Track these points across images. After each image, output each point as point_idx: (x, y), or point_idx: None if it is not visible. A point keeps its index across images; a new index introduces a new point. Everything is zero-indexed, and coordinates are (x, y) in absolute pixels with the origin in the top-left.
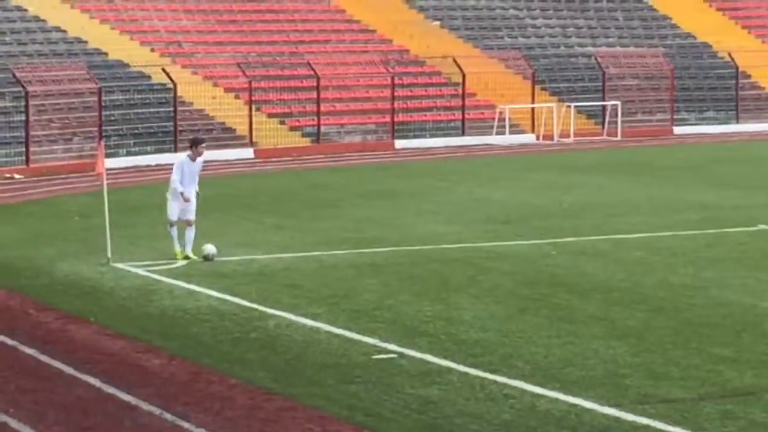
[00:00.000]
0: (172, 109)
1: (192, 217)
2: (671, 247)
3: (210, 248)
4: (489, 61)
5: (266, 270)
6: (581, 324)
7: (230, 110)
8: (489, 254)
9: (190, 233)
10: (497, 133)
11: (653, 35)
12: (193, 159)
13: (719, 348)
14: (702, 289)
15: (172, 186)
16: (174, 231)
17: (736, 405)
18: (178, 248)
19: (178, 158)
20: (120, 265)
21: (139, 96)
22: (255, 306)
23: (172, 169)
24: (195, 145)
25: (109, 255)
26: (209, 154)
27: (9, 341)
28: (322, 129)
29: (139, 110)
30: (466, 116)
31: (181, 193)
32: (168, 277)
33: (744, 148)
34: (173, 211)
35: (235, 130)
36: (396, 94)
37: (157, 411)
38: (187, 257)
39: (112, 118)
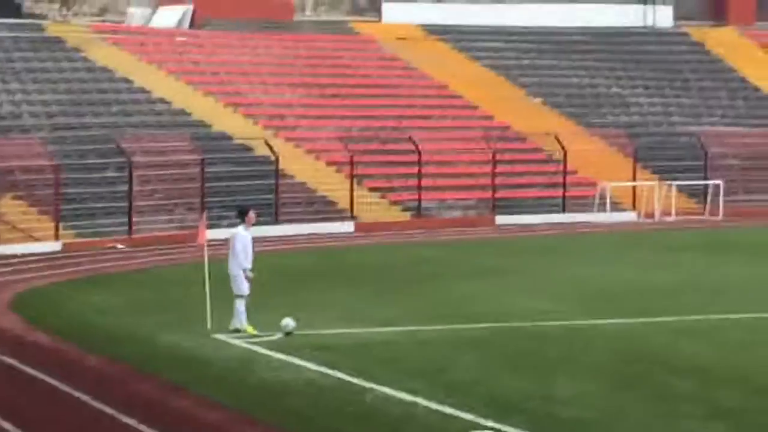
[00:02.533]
0: (273, 181)
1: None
2: None
3: (289, 322)
4: (591, 138)
5: (365, 343)
6: (680, 404)
7: (332, 183)
8: (587, 332)
9: (242, 306)
10: (598, 211)
11: (757, 115)
12: (246, 229)
13: None
14: None
15: (238, 262)
16: (241, 305)
17: None
18: (248, 325)
19: (237, 233)
20: (220, 336)
21: (242, 168)
22: (353, 379)
23: (234, 244)
24: (246, 212)
25: (210, 326)
26: (311, 227)
27: (108, 410)
28: (423, 203)
29: (241, 182)
30: (567, 193)
31: (244, 270)
32: (267, 348)
33: None
34: (246, 285)
35: (336, 203)
36: (497, 170)
37: None
38: (246, 330)
39: (215, 189)
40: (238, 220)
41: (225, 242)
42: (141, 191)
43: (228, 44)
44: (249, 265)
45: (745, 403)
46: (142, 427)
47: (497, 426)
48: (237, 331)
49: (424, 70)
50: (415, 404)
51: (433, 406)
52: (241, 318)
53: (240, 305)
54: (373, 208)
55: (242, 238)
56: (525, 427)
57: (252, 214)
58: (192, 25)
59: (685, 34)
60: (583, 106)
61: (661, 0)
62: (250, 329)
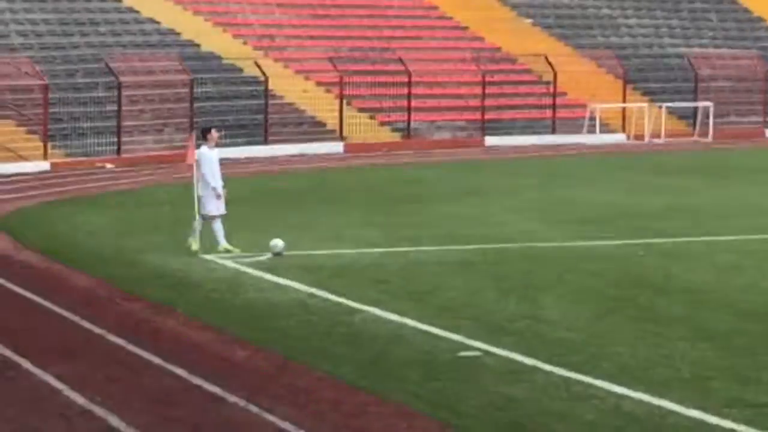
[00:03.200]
0: (263, 101)
1: (225, 210)
2: (763, 250)
3: (278, 243)
4: (581, 59)
5: (354, 265)
6: (668, 325)
7: (321, 104)
8: (577, 254)
9: (220, 225)
10: (588, 132)
11: (747, 37)
12: (210, 148)
13: None
14: None
15: (205, 181)
16: (200, 225)
17: None
18: (198, 244)
19: (201, 152)
20: (208, 257)
21: (231, 88)
22: (342, 300)
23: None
24: (209, 131)
25: (198, 246)
26: (300, 147)
27: (97, 329)
28: (412, 125)
29: (231, 102)
30: (557, 114)
31: (214, 188)
32: (256, 269)
33: None
34: (213, 205)
35: (325, 124)
36: (487, 91)
37: (242, 403)
38: (228, 250)
39: (204, 109)
40: (200, 141)
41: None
42: (130, 111)
43: None
44: (217, 183)
45: (733, 326)
46: (130, 347)
47: (485, 347)
48: (192, 250)
49: None
50: (403, 325)
51: (422, 327)
52: (195, 235)
53: (198, 224)
54: (363, 128)
55: (206, 157)
56: (512, 348)
57: (214, 133)
58: None
59: None
60: (574, 27)
61: None
62: (195, 246)
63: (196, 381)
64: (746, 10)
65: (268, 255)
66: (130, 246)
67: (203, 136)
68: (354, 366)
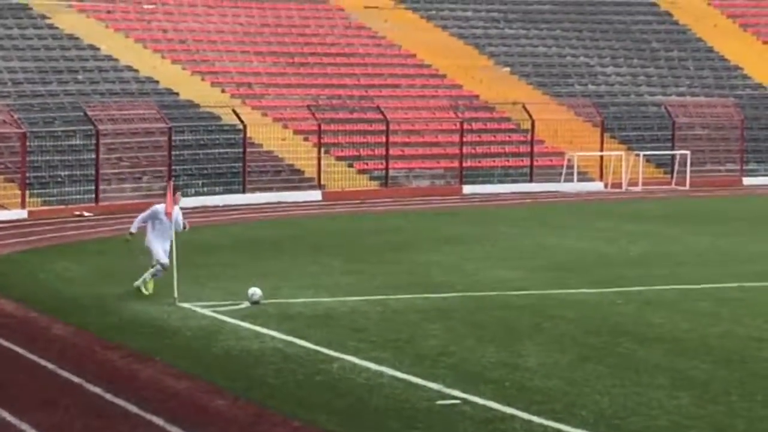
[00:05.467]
0: (241, 150)
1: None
2: (739, 298)
3: (256, 291)
4: (558, 108)
5: (332, 313)
6: (645, 373)
7: (299, 152)
8: (555, 302)
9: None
10: (565, 181)
11: (724, 85)
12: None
13: None
14: None
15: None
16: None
17: None
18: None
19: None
20: (186, 305)
21: (209, 136)
22: (319, 348)
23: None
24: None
25: (176, 295)
26: (279, 195)
27: (75, 379)
28: (390, 173)
29: (209, 150)
30: (535, 163)
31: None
32: (234, 317)
33: None
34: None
35: (303, 172)
36: (465, 139)
37: None
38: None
39: (182, 157)
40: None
41: (194, 210)
42: (108, 159)
43: (195, 12)
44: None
45: (710, 373)
46: (108, 395)
47: (464, 396)
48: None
49: (392, 39)
50: (381, 374)
51: (400, 375)
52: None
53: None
54: (341, 177)
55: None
56: (491, 396)
57: (178, 196)
58: None
59: (653, 4)
60: (551, 76)
61: None
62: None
63: (174, 430)
64: (723, 59)
65: (246, 303)
66: (109, 294)
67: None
68: (332, 415)
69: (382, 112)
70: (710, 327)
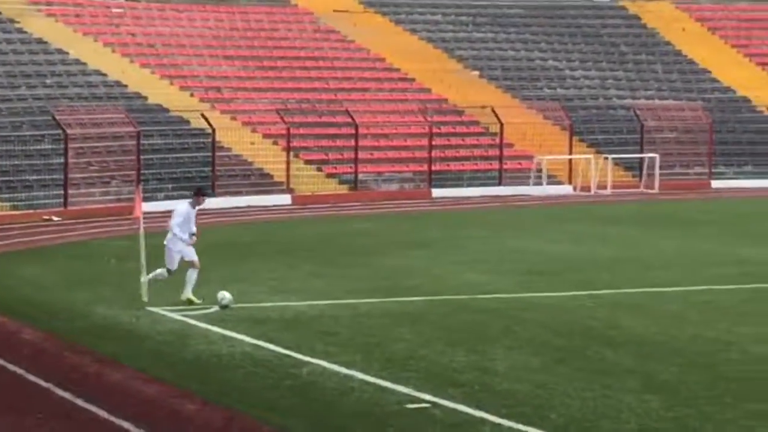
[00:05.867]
0: (210, 154)
1: (196, 258)
2: (707, 301)
3: (225, 295)
4: (527, 111)
5: (301, 317)
6: (615, 377)
7: (268, 156)
8: (524, 305)
9: (194, 275)
10: (534, 184)
11: (692, 89)
12: (193, 207)
13: (754, 404)
14: (737, 344)
15: (173, 233)
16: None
17: None
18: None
19: (180, 205)
20: (156, 309)
21: (178, 140)
22: (289, 353)
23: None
24: (201, 194)
25: (145, 299)
26: (248, 199)
27: (44, 383)
28: (360, 176)
29: (178, 155)
30: (504, 166)
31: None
32: (203, 322)
33: None
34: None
35: (272, 176)
36: (434, 143)
37: None
38: (190, 301)
39: (151, 162)
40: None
41: (164, 214)
42: (77, 164)
43: (164, 16)
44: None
45: (679, 377)
46: (77, 401)
47: (433, 399)
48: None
49: (360, 43)
50: (351, 377)
51: (370, 379)
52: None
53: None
54: (310, 180)
55: (180, 212)
56: (460, 400)
57: (202, 199)
58: None
59: (622, 8)
60: (520, 80)
61: None
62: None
63: None
64: (691, 62)
65: (216, 308)
66: (78, 299)
67: (196, 195)
68: (302, 419)
69: (351, 116)
70: (679, 330)
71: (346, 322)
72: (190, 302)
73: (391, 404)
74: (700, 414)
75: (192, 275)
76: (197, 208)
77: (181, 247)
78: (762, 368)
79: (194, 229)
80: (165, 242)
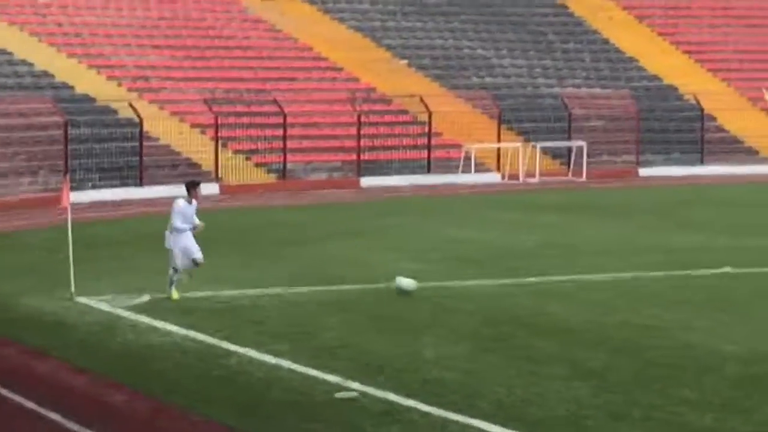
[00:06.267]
0: (138, 144)
1: (200, 255)
2: (635, 288)
3: (409, 283)
4: (456, 100)
5: (231, 306)
6: (543, 364)
7: (196, 146)
8: (453, 293)
9: (184, 275)
10: (463, 172)
11: (620, 77)
12: (189, 202)
13: (681, 390)
14: (665, 331)
15: (175, 229)
16: (177, 277)
17: None
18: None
19: (177, 203)
20: (83, 300)
21: (106, 130)
22: (218, 342)
23: (171, 213)
24: (193, 187)
25: (73, 289)
26: (173, 190)
27: None
28: (288, 166)
29: (105, 145)
30: (432, 155)
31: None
32: (131, 312)
33: (709, 190)
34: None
35: (200, 165)
36: (362, 132)
37: None
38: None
39: (78, 152)
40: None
41: (89, 205)
42: (4, 154)
43: (91, 5)
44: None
45: (607, 363)
46: (4, 391)
47: (362, 388)
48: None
49: (288, 32)
50: (280, 367)
51: (299, 368)
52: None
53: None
54: (238, 170)
55: (179, 210)
56: (389, 388)
57: (198, 191)
58: None
59: None
60: (449, 68)
61: None
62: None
63: (72, 426)
64: (618, 51)
65: (145, 297)
66: (4, 290)
67: (189, 189)
68: (231, 409)
69: (279, 105)
70: (607, 317)
71: (275, 311)
72: (173, 299)
73: (320, 393)
74: (628, 400)
75: (181, 275)
76: (195, 202)
77: (183, 243)
78: (689, 354)
79: (197, 222)
80: (166, 246)
